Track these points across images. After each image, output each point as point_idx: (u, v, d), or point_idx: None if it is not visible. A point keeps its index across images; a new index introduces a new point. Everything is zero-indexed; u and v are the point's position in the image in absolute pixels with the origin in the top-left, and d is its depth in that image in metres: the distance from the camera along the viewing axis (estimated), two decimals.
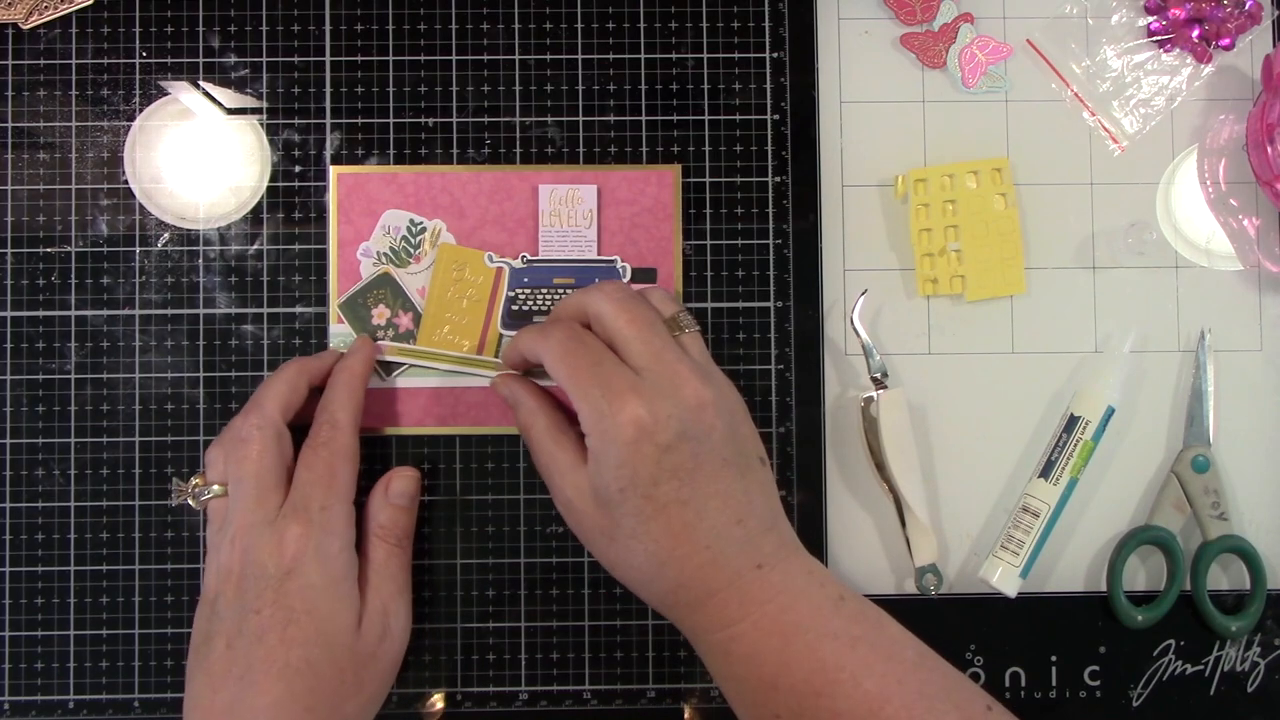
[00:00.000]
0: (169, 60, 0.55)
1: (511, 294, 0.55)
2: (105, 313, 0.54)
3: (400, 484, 0.52)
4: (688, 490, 0.45)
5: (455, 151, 0.55)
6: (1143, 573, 0.55)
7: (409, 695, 0.54)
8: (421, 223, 0.55)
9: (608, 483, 0.45)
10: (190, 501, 0.50)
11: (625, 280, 0.54)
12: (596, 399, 0.45)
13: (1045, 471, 0.54)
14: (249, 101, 0.55)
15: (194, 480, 0.50)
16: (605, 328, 0.48)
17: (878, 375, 0.54)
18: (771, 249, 0.55)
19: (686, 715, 0.54)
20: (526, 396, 0.51)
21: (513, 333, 0.54)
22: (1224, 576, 0.55)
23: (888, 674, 0.44)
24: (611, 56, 0.56)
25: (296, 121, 0.55)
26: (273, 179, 0.55)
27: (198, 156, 0.55)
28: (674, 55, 0.56)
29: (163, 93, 0.55)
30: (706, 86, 0.55)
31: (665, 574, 0.46)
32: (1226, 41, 0.56)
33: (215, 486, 0.50)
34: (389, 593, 0.50)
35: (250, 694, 0.45)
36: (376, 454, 0.54)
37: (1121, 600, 0.53)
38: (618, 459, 0.45)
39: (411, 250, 0.55)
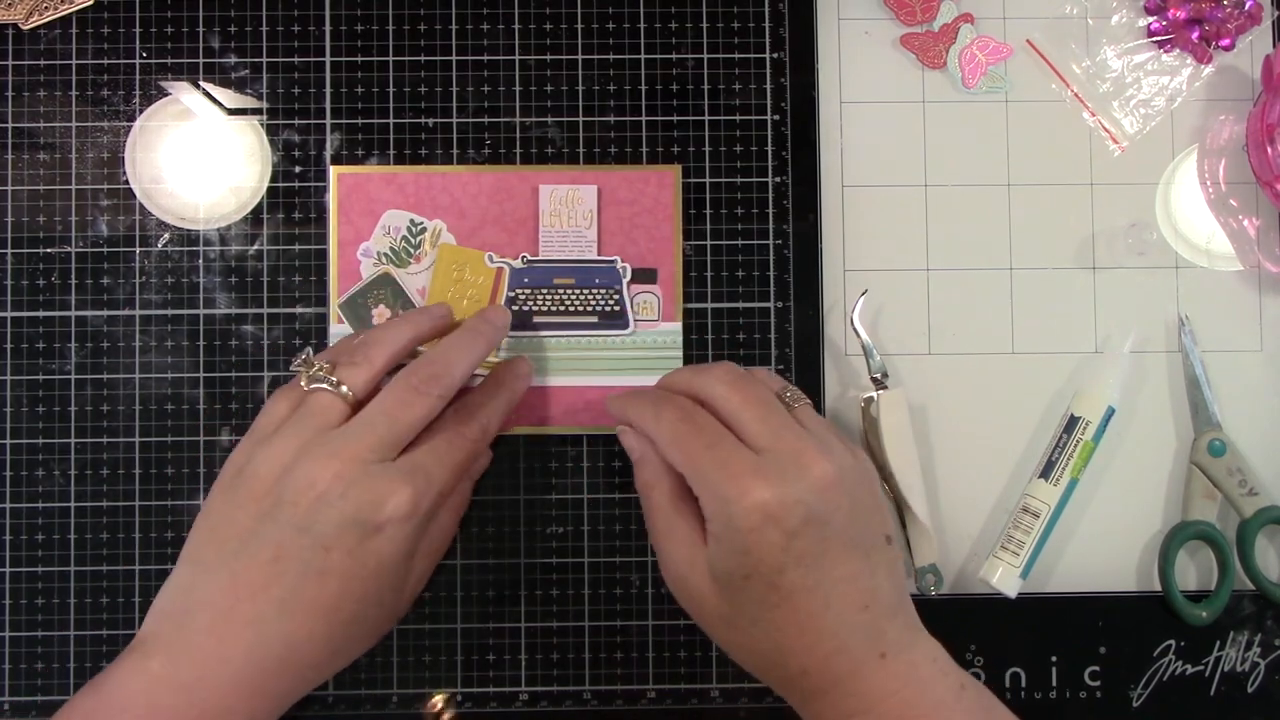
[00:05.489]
0: (169, 61, 0.55)
1: (512, 294, 0.55)
2: (105, 313, 0.54)
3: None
4: (813, 577, 0.43)
5: (455, 151, 0.55)
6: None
7: (409, 696, 0.53)
8: (422, 223, 0.55)
9: (730, 569, 0.43)
10: (302, 380, 0.47)
11: (626, 281, 0.54)
12: (718, 484, 0.43)
13: (1045, 472, 0.54)
14: (249, 102, 0.55)
15: (321, 366, 0.46)
16: (719, 409, 0.45)
17: (878, 375, 0.54)
18: (771, 249, 0.55)
19: None
20: (655, 456, 0.48)
21: (519, 334, 0.54)
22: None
23: None
24: (611, 56, 0.56)
25: (296, 122, 0.55)
26: (273, 179, 0.55)
27: (198, 157, 0.55)
28: (674, 55, 0.56)
29: (163, 93, 0.55)
30: (706, 86, 0.55)
31: (788, 662, 0.44)
32: (1226, 42, 0.56)
33: (344, 389, 0.46)
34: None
35: (284, 621, 0.44)
36: None
37: (1180, 600, 0.53)
38: (742, 546, 0.43)
39: (412, 250, 0.55)
